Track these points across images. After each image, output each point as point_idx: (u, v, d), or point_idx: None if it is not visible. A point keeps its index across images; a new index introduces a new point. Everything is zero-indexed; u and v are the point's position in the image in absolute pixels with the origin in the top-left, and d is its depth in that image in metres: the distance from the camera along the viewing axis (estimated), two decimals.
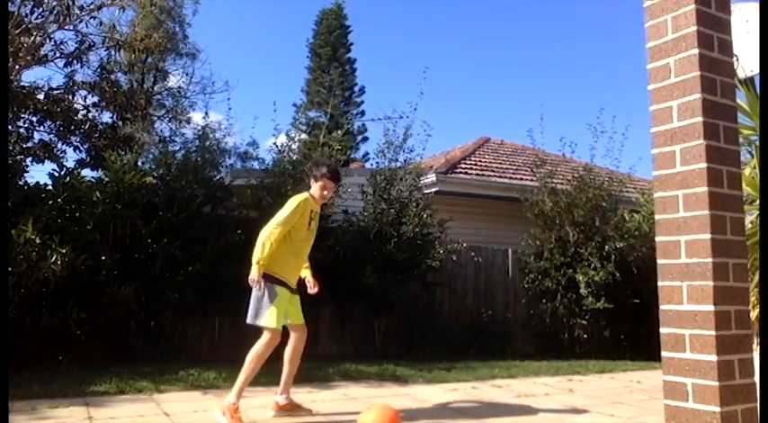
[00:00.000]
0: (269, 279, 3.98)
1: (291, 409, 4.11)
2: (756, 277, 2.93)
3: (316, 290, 4.33)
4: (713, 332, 2.00)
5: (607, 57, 42.80)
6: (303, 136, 11.40)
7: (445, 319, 8.23)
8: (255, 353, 3.97)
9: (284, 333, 4.08)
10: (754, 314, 2.57)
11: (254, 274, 3.92)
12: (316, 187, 4.18)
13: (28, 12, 9.06)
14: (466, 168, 11.54)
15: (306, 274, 4.34)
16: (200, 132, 7.67)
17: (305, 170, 7.62)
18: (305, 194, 4.17)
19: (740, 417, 1.99)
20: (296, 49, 43.92)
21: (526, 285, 8.86)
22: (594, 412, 4.40)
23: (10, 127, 9.15)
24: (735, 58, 2.34)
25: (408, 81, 41.65)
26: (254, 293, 4.01)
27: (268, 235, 3.95)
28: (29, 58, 9.16)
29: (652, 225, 7.23)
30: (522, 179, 11.23)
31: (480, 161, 12.42)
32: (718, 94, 2.13)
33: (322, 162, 4.75)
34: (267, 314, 3.97)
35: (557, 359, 7.52)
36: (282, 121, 35.63)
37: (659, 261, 2.19)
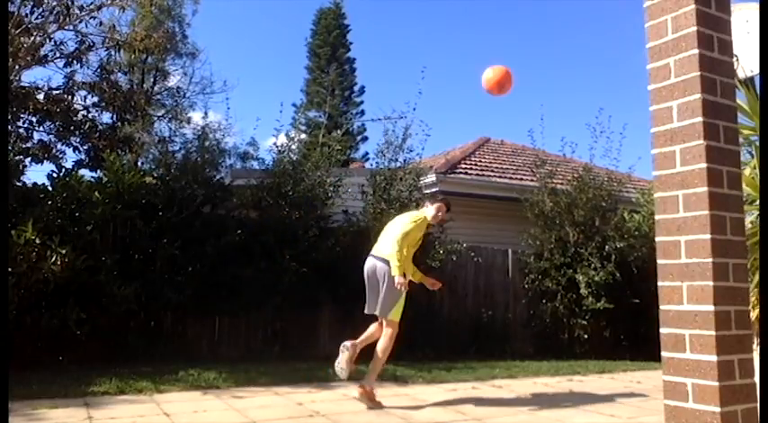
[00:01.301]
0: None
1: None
2: (756, 277, 2.93)
3: (439, 285, 5.17)
4: (713, 332, 2.00)
5: (607, 57, 42.83)
6: (303, 136, 11.41)
7: (445, 319, 8.22)
8: (384, 346, 4.58)
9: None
10: (754, 314, 2.57)
11: (401, 278, 4.42)
12: (432, 208, 4.80)
13: (28, 12, 9.05)
14: (466, 168, 11.54)
15: (419, 275, 5.02)
16: (200, 132, 7.67)
17: (305, 170, 7.63)
18: (424, 215, 4.78)
19: (740, 417, 1.99)
20: (295, 50, 43.94)
21: (526, 285, 8.85)
22: (594, 412, 4.41)
23: (10, 127, 9.14)
24: (735, 58, 2.34)
25: (408, 81, 41.61)
26: (388, 290, 4.51)
27: (402, 244, 4.48)
28: (29, 58, 9.14)
29: (652, 225, 7.22)
30: (522, 179, 11.23)
31: (480, 161, 12.42)
32: (718, 95, 2.13)
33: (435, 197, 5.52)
34: (395, 309, 4.56)
35: (557, 359, 7.52)
36: (282, 122, 35.62)
37: (659, 261, 2.19)
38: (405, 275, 4.47)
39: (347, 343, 4.57)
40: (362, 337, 4.68)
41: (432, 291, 8.27)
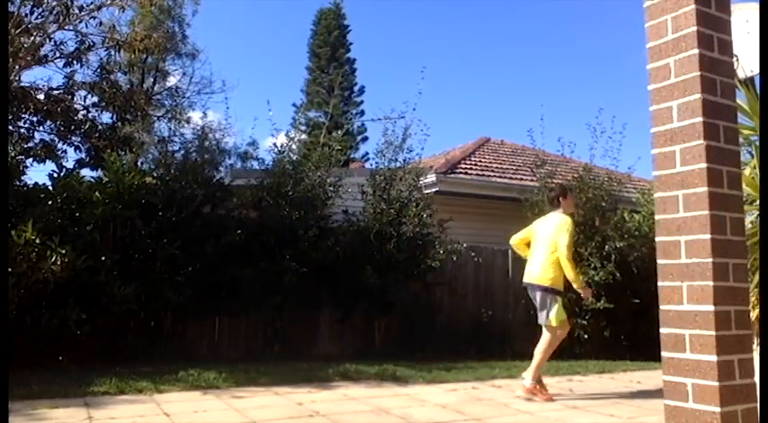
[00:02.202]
0: (554, 291, 4.92)
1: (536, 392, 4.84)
2: (756, 277, 2.93)
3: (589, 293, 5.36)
4: (713, 332, 2.00)
5: (607, 57, 42.82)
6: (303, 136, 11.40)
7: (445, 319, 8.22)
8: (547, 344, 4.95)
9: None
10: (754, 314, 2.57)
11: (584, 290, 5.10)
12: (569, 203, 5.18)
13: (28, 12, 9.04)
14: (466, 168, 11.54)
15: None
16: (200, 132, 7.68)
17: (305, 170, 7.63)
18: (568, 217, 5.03)
19: (740, 417, 1.99)
20: (295, 49, 43.96)
21: None
22: (594, 412, 4.41)
23: (10, 127, 9.14)
24: (735, 58, 2.34)
25: (408, 81, 41.57)
26: (542, 299, 4.94)
27: (570, 256, 4.85)
28: (29, 58, 9.14)
29: (652, 225, 7.22)
30: (522, 179, 11.22)
31: (480, 161, 12.41)
32: (718, 94, 2.13)
33: (553, 187, 5.91)
34: (554, 311, 4.86)
35: (557, 359, 7.47)
36: (282, 122, 35.71)
37: (659, 261, 2.19)
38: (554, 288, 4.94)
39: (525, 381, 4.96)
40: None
41: (432, 291, 8.36)
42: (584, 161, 9.73)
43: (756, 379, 2.09)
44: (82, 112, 11.20)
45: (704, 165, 2.06)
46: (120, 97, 11.57)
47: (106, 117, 12.00)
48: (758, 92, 3.58)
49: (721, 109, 2.14)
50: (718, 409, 1.96)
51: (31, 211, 5.70)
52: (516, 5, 40.59)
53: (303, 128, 21.10)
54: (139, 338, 6.32)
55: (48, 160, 10.16)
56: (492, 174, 11.70)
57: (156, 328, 6.61)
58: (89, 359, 5.78)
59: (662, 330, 2.15)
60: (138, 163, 10.60)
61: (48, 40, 9.77)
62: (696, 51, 2.11)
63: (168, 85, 17.83)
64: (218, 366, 5.52)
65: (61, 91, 10.79)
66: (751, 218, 3.41)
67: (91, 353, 5.92)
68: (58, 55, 10.24)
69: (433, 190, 9.64)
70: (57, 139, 10.90)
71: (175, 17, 17.00)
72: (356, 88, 29.19)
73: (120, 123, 11.79)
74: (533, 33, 42.65)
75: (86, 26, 9.90)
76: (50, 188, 6.26)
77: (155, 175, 7.28)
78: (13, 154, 7.84)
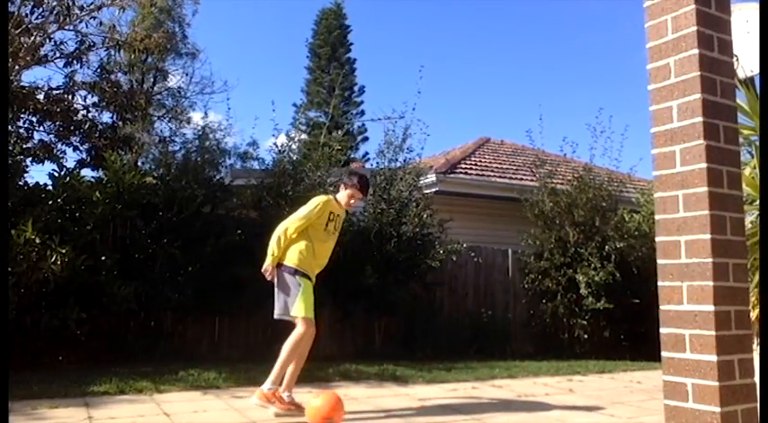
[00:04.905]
0: (293, 271, 4.04)
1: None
2: (756, 277, 2.93)
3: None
4: (713, 332, 2.00)
5: (607, 57, 42.81)
6: (303, 136, 11.41)
7: (445, 319, 8.22)
8: (291, 344, 3.98)
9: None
10: (754, 314, 2.57)
11: (267, 264, 4.02)
12: (344, 194, 4.36)
13: (28, 12, 9.05)
14: (466, 168, 11.54)
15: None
16: (200, 132, 7.68)
17: (305, 170, 7.63)
18: (329, 196, 4.37)
19: (740, 417, 1.99)
20: (296, 50, 43.94)
21: (526, 285, 8.85)
22: (594, 412, 4.41)
23: (10, 127, 9.14)
24: (735, 58, 2.34)
25: (408, 81, 41.70)
26: (279, 287, 4.07)
27: (284, 229, 4.09)
28: (29, 58, 9.15)
29: (652, 225, 7.23)
30: (522, 179, 11.23)
31: (480, 161, 12.41)
32: (718, 94, 2.13)
33: (355, 172, 5.06)
34: (297, 304, 4.00)
35: (557, 359, 7.52)
36: (282, 122, 35.70)
37: (659, 261, 2.19)
38: (293, 267, 4.02)
39: (282, 395, 3.97)
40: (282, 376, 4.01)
41: (432, 291, 8.36)
42: (585, 161, 9.74)
43: (756, 379, 2.09)
44: (82, 112, 11.21)
45: (704, 165, 2.06)
46: (121, 97, 11.58)
47: (106, 117, 12.02)
48: (758, 92, 3.58)
49: (721, 109, 2.14)
50: (718, 409, 1.96)
51: (31, 210, 5.70)
52: (516, 5, 40.59)
53: (303, 128, 21.11)
54: (139, 338, 6.32)
55: (47, 161, 10.17)
56: (492, 174, 11.70)
57: (156, 328, 6.61)
58: (89, 359, 5.79)
59: (662, 330, 2.15)
60: (139, 163, 10.62)
61: (48, 40, 9.78)
62: (696, 51, 2.11)
63: (168, 85, 17.82)
64: (218, 366, 5.52)
65: (61, 91, 10.79)
66: (751, 218, 3.41)
67: (91, 353, 5.92)
68: (58, 55, 10.25)
69: (433, 190, 9.64)
70: (56, 140, 10.91)
71: (175, 17, 16.99)
72: (356, 88, 29.18)
73: (120, 123, 11.79)
74: (533, 33, 42.67)
75: (86, 26, 9.93)
76: (50, 188, 6.26)
77: (155, 174, 7.28)
78: (12, 154, 7.84)
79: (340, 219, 4.36)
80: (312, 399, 3.67)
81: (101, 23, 10.21)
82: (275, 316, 4.12)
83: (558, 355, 7.97)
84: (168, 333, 6.68)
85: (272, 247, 4.05)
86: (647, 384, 5.77)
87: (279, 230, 4.10)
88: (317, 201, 4.22)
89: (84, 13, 9.45)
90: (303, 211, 4.17)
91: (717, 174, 2.08)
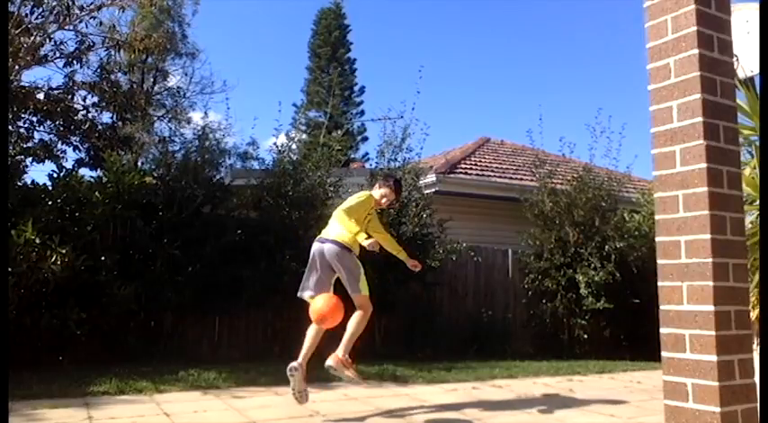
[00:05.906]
0: (355, 254, 4.31)
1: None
2: (756, 277, 2.93)
3: (419, 267, 4.90)
4: (713, 332, 2.00)
5: (607, 57, 42.81)
6: (303, 136, 11.40)
7: (445, 319, 8.22)
8: (359, 317, 4.36)
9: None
10: (754, 314, 2.57)
11: (367, 242, 4.17)
12: (379, 192, 4.51)
13: (28, 12, 9.06)
14: (466, 168, 11.55)
15: (404, 254, 4.88)
16: (200, 132, 7.68)
17: (305, 171, 7.63)
18: (371, 192, 4.52)
19: (740, 417, 1.99)
20: (295, 50, 43.97)
21: (526, 285, 8.85)
22: (594, 412, 4.40)
23: (10, 127, 9.14)
24: (735, 58, 2.34)
25: (408, 81, 41.62)
26: (348, 268, 4.28)
27: (342, 216, 4.19)
28: (29, 58, 9.15)
29: (652, 225, 7.22)
30: (522, 179, 11.23)
31: (480, 161, 12.42)
32: (718, 94, 2.14)
33: (392, 175, 5.40)
34: (362, 282, 4.32)
35: (557, 359, 7.52)
36: (282, 122, 35.64)
37: (659, 261, 2.19)
38: (352, 250, 4.30)
39: (294, 364, 4.10)
40: (304, 350, 4.23)
41: (431, 291, 8.36)
42: (584, 161, 9.74)
43: (756, 379, 2.10)
44: (82, 112, 11.21)
45: (704, 165, 2.06)
46: (120, 97, 11.58)
47: (106, 117, 12.03)
48: (758, 92, 3.58)
49: (721, 109, 2.14)
50: (718, 410, 1.96)
51: (30, 210, 5.70)
52: (516, 5, 40.60)
53: (303, 128, 21.08)
54: (139, 338, 6.31)
55: (47, 160, 10.17)
56: (492, 174, 11.70)
57: (156, 328, 6.61)
58: (89, 359, 5.78)
59: (662, 330, 2.15)
60: (139, 163, 10.62)
61: (48, 40, 9.78)
62: (696, 51, 2.12)
63: (168, 85, 17.82)
64: (218, 366, 5.52)
65: (61, 91, 10.80)
66: (751, 218, 3.41)
67: (91, 353, 5.91)
68: (58, 55, 10.25)
69: (433, 190, 9.64)
70: (56, 139, 10.91)
71: (175, 17, 16.99)
72: (356, 88, 29.20)
73: (120, 123, 11.80)
74: (533, 33, 42.67)
75: (86, 26, 9.93)
76: (50, 188, 6.26)
77: (155, 175, 7.28)
78: (12, 153, 7.84)
79: (374, 217, 4.60)
80: (316, 299, 4.13)
81: (101, 23, 10.21)
82: (353, 293, 4.30)
83: (558, 355, 7.97)
84: (168, 333, 6.68)
85: (352, 227, 4.16)
86: (647, 384, 5.77)
87: (341, 215, 4.18)
88: (364, 195, 4.42)
89: (84, 13, 9.45)
90: (352, 203, 4.29)
91: (717, 174, 2.08)
